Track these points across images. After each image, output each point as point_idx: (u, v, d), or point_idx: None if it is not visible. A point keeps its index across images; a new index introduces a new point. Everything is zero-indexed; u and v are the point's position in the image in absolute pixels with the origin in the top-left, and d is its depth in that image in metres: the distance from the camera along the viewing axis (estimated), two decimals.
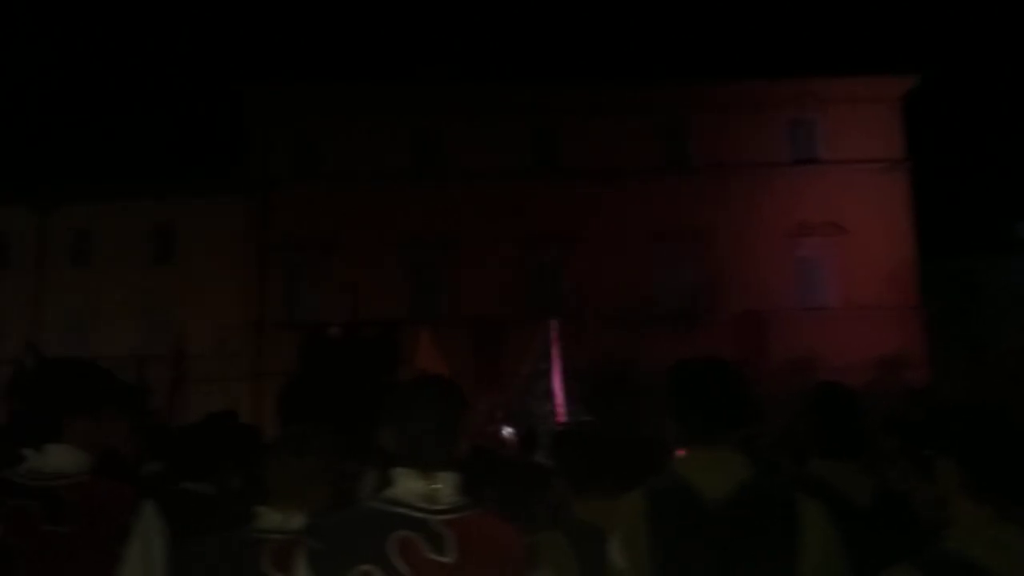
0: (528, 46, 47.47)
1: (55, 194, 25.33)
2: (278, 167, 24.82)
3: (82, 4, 62.37)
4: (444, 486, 1.78)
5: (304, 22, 56.24)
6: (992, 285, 23.88)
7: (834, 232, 24.10)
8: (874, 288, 23.32)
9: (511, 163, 24.37)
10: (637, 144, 24.47)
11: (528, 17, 48.50)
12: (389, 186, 24.10)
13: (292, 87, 25.08)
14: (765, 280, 23.37)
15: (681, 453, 2.12)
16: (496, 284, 23.08)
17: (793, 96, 24.63)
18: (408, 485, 1.77)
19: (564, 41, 48.81)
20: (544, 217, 23.72)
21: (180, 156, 27.60)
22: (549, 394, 10.71)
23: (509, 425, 9.15)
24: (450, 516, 1.73)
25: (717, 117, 24.51)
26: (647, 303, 23.22)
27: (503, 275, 23.30)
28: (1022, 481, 1.59)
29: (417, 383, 1.95)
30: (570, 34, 49.88)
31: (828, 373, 16.97)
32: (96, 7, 61.68)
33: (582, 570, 2.22)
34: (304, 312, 22.96)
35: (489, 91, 24.69)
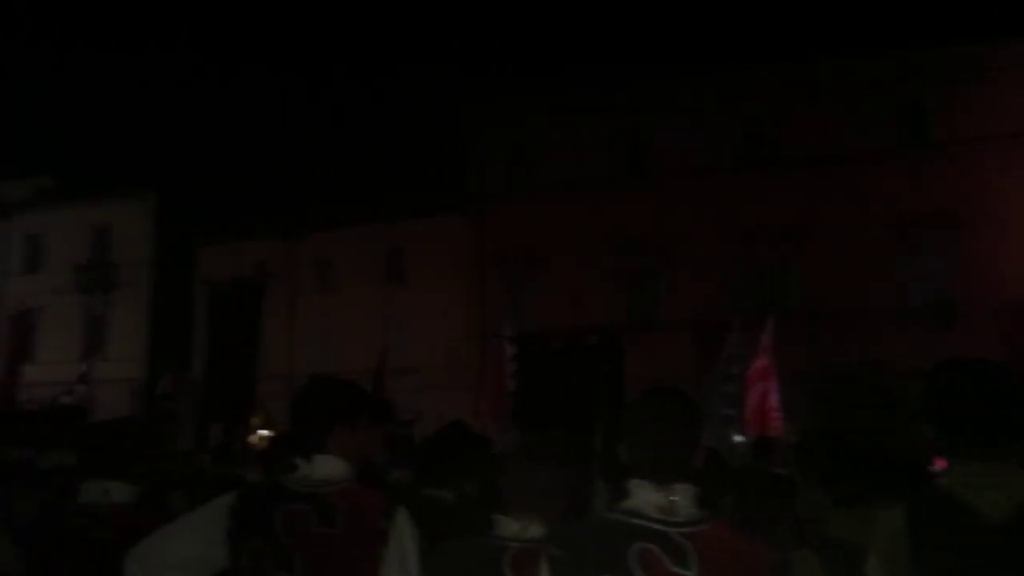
0: (733, 31, 45.61)
1: (302, 226, 28.25)
2: (495, 180, 25.79)
3: (314, 48, 69.04)
4: (682, 498, 1.75)
5: (511, 34, 58.26)
6: None
7: None
8: None
9: (723, 157, 23.25)
10: (867, 124, 22.31)
11: (728, 3, 46.66)
12: (602, 190, 23.98)
13: (507, 98, 25.78)
14: None
15: (944, 466, 1.93)
16: (716, 285, 22.05)
17: None
18: (646, 497, 1.76)
19: (769, 18, 46.32)
20: (764, 211, 22.33)
21: (406, 178, 29.58)
22: (738, 400, 9.78)
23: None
24: (690, 529, 1.70)
25: (969, 87, 21.41)
26: (891, 298, 21.21)
27: (724, 275, 22.26)
28: None
29: (652, 394, 1.93)
30: (775, 9, 47.29)
31: None
32: (337, 52, 67.99)
33: None
34: (524, 321, 23.66)
35: (695, 84, 23.81)
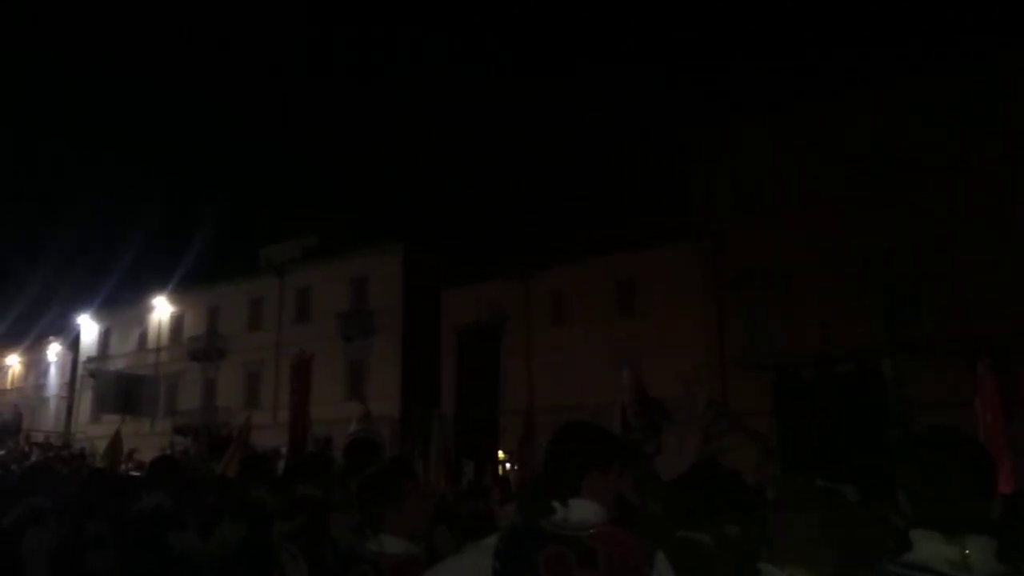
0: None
1: (534, 264, 29.22)
2: (723, 205, 25.10)
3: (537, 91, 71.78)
4: (976, 552, 1.57)
5: (726, 58, 56.84)
6: None
7: None
8: None
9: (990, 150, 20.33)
10: None
11: None
12: (845, 202, 22.16)
13: (733, 124, 25.30)
14: None
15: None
16: (996, 296, 19.16)
17: None
18: (932, 549, 1.60)
19: None
20: None
21: (631, 209, 29.80)
22: None
23: None
24: None
25: None
26: None
27: (1005, 285, 19.14)
28: None
29: (936, 434, 1.77)
30: None
31: None
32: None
33: None
34: (767, 349, 22.53)
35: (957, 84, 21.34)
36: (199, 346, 38.13)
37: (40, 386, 46.19)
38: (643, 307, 26.47)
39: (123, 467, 15.71)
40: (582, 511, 2.21)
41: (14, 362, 48.09)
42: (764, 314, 23.31)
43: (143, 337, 41.93)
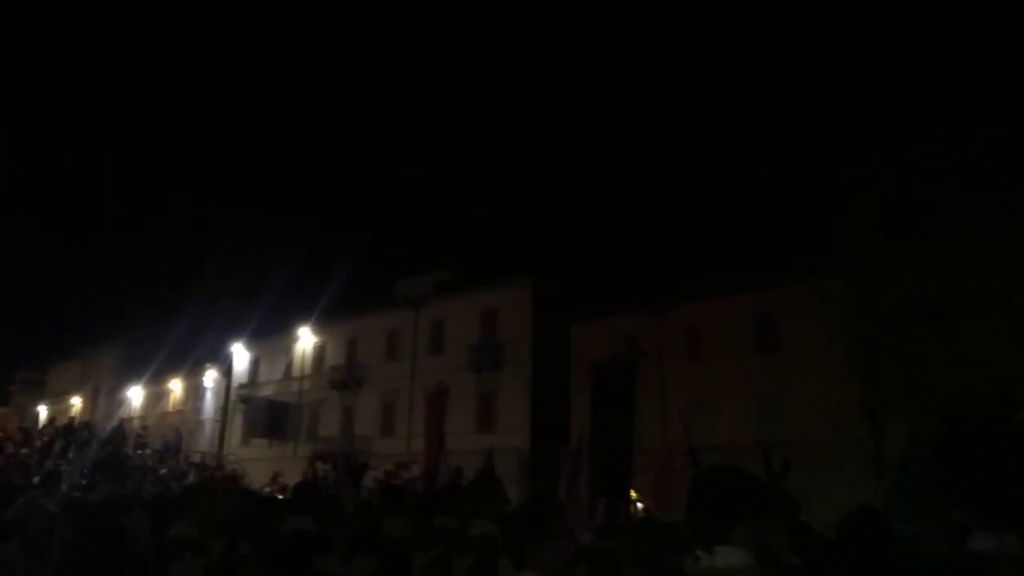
0: None
1: (668, 298, 28.68)
2: (871, 239, 23.82)
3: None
4: None
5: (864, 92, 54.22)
6: None
7: None
8: None
9: None
10: None
11: None
12: (1007, 233, 20.59)
13: (884, 157, 24.20)
14: None
15: None
16: None
17: None
18: None
19: None
20: None
21: (771, 245, 28.83)
22: None
23: None
24: None
25: None
26: None
27: None
28: None
29: None
30: None
31: None
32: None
33: None
34: (923, 392, 20.91)
35: None
36: (339, 375, 39.71)
37: (197, 409, 49.35)
38: (785, 344, 25.38)
39: (268, 489, 16.52)
40: (729, 558, 2.11)
41: (176, 387, 51.70)
42: (918, 353, 21.67)
43: (288, 366, 44.13)
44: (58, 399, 61.95)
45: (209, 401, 48.88)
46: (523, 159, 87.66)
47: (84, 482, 10.03)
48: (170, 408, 51.81)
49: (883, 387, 22.34)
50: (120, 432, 24.19)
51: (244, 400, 43.02)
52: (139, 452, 22.13)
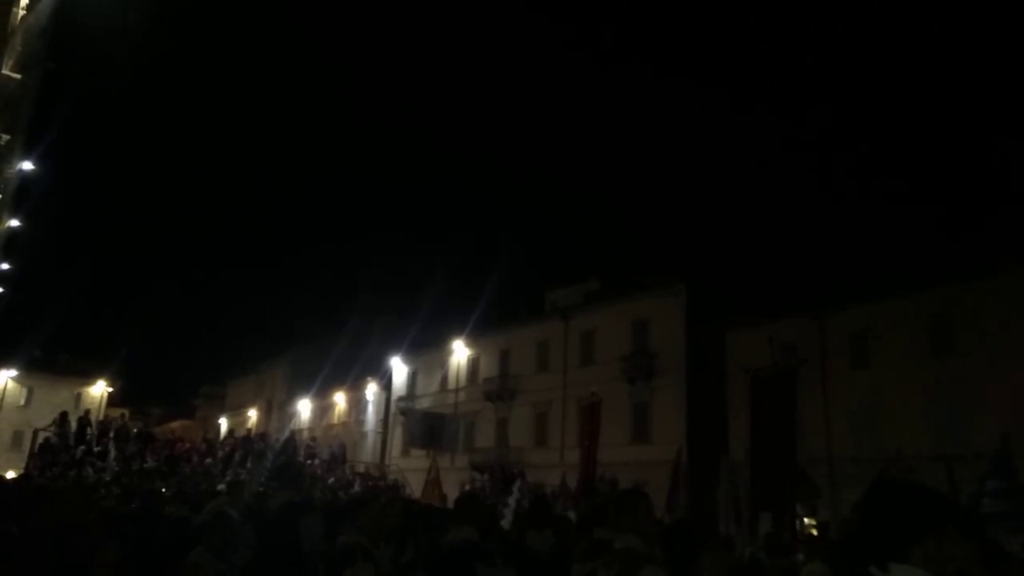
0: None
1: (830, 302, 27.19)
2: None
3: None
4: None
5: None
6: None
7: None
8: None
9: None
10: None
11: None
12: None
13: None
14: None
15: None
16: None
17: None
18: None
19: None
20: None
21: (946, 240, 26.76)
22: None
23: None
24: None
25: None
26: None
27: None
28: None
29: None
30: None
31: None
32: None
33: None
34: None
35: None
36: (492, 387, 40.50)
37: (360, 421, 51.79)
38: (967, 347, 23.38)
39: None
40: None
41: (340, 400, 54.53)
42: None
43: (444, 378, 45.51)
44: (236, 412, 66.99)
45: (371, 413, 51.15)
46: (671, 162, 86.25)
47: (261, 489, 10.75)
48: (335, 420, 54.64)
49: None
50: (292, 443, 25.81)
51: (403, 412, 44.77)
52: (309, 462, 23.48)
